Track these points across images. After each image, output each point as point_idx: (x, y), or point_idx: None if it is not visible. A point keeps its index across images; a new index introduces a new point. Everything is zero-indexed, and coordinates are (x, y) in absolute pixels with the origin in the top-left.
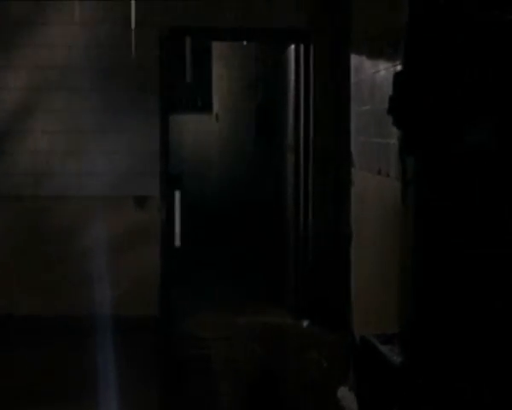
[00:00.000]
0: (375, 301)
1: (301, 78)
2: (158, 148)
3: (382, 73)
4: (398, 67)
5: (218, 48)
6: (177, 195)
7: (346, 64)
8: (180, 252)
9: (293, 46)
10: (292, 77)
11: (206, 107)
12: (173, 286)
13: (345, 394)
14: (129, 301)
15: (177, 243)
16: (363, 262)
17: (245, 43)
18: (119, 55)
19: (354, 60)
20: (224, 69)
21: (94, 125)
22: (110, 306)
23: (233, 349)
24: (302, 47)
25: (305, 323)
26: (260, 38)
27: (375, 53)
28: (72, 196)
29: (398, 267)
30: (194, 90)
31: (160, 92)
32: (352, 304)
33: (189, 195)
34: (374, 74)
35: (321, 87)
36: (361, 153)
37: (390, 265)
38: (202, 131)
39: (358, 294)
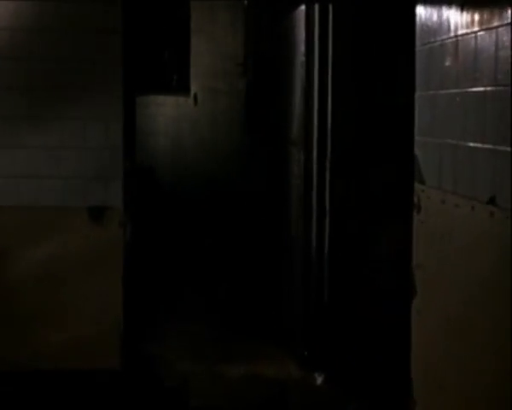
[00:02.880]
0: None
1: (315, 51)
2: (121, 141)
3: (497, 30)
4: None
5: (197, 19)
6: None
7: (388, 26)
8: (151, 272)
9: (302, 7)
10: (300, 50)
11: (183, 86)
12: (141, 327)
13: None
14: (80, 350)
15: None
16: (430, 334)
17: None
18: (63, 8)
19: (423, 13)
20: (205, 43)
21: (29, 110)
22: (52, 357)
23: None
24: (317, 8)
25: (319, 379)
26: None
27: None
28: (2, 206)
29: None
30: (169, 67)
31: (124, 66)
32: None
33: (163, 193)
34: (476, 34)
35: (344, 62)
36: (441, 163)
37: (483, 350)
38: (177, 117)
39: (424, 371)
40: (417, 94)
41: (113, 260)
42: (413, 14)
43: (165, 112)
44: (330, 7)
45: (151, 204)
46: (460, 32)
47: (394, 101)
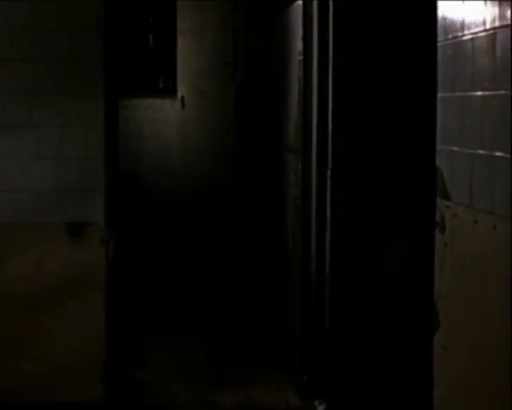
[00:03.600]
0: None
1: (314, 48)
2: (102, 150)
3: None
4: None
5: (184, 19)
6: None
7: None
8: (137, 288)
9: (299, 2)
10: (297, 47)
11: (170, 89)
12: (127, 350)
13: None
14: (59, 381)
15: None
16: (458, 374)
17: None
18: (38, 5)
19: (448, 3)
20: (192, 44)
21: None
22: (28, 390)
23: None
24: (315, 3)
25: (320, 408)
26: None
27: None
28: None
29: None
30: (155, 68)
31: (106, 67)
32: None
33: (150, 200)
34: None
35: (346, 61)
36: (472, 177)
37: None
38: (163, 120)
39: None
40: (440, 95)
41: (94, 282)
42: (426, 7)
43: (151, 115)
44: (330, 1)
45: (137, 212)
46: (498, 24)
47: (401, 102)
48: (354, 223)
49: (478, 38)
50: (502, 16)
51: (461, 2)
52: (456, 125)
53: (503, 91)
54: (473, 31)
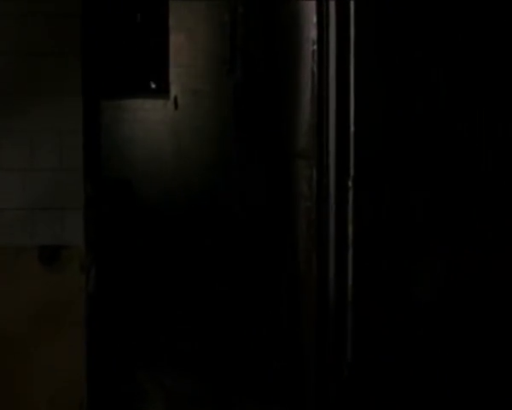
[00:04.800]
0: None
1: (331, 35)
2: (80, 160)
3: None
4: None
5: (176, 14)
6: None
7: None
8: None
9: None
10: (309, 36)
11: (161, 89)
12: (113, 395)
13: None
14: None
15: None
16: None
17: None
18: None
19: None
20: (185, 40)
21: None
22: None
23: None
24: None
25: None
26: None
27: None
28: None
29: None
30: (145, 67)
31: (84, 59)
32: None
33: (141, 209)
34: None
35: (370, 50)
36: None
37: None
38: (155, 122)
39: None
40: None
41: (72, 318)
42: None
43: (142, 117)
44: None
45: (126, 222)
46: None
47: (437, 99)
48: (381, 242)
49: None
50: None
51: None
52: None
53: None
54: None
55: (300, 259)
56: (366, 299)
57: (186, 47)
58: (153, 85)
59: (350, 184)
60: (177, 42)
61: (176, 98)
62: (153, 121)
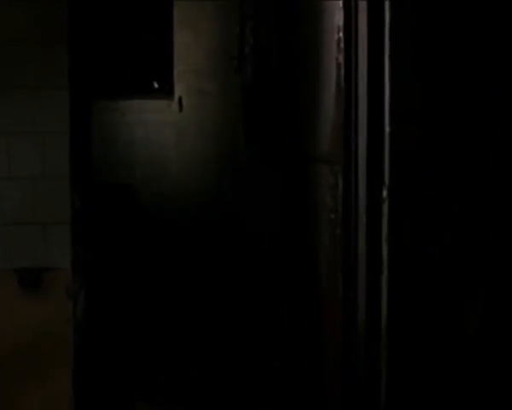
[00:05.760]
0: None
1: (360, 27)
2: (66, 167)
3: None
4: None
5: (181, 9)
6: None
7: None
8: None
9: None
10: (334, 23)
11: (165, 89)
12: None
13: None
14: None
15: None
16: None
17: None
18: None
19: None
20: (191, 37)
21: None
22: None
23: None
24: None
25: None
26: None
27: None
28: None
29: None
30: (148, 66)
31: (72, 48)
32: None
33: (143, 216)
34: None
35: (412, 34)
36: None
37: None
38: (158, 125)
39: None
40: None
41: (57, 352)
42: None
43: (144, 119)
44: None
45: (126, 230)
46: None
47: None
48: (423, 264)
49: None
50: None
51: None
52: None
53: None
54: None
55: (322, 279)
56: (404, 332)
57: (192, 45)
58: (156, 85)
59: (385, 194)
60: (183, 39)
61: (181, 99)
62: (155, 124)
